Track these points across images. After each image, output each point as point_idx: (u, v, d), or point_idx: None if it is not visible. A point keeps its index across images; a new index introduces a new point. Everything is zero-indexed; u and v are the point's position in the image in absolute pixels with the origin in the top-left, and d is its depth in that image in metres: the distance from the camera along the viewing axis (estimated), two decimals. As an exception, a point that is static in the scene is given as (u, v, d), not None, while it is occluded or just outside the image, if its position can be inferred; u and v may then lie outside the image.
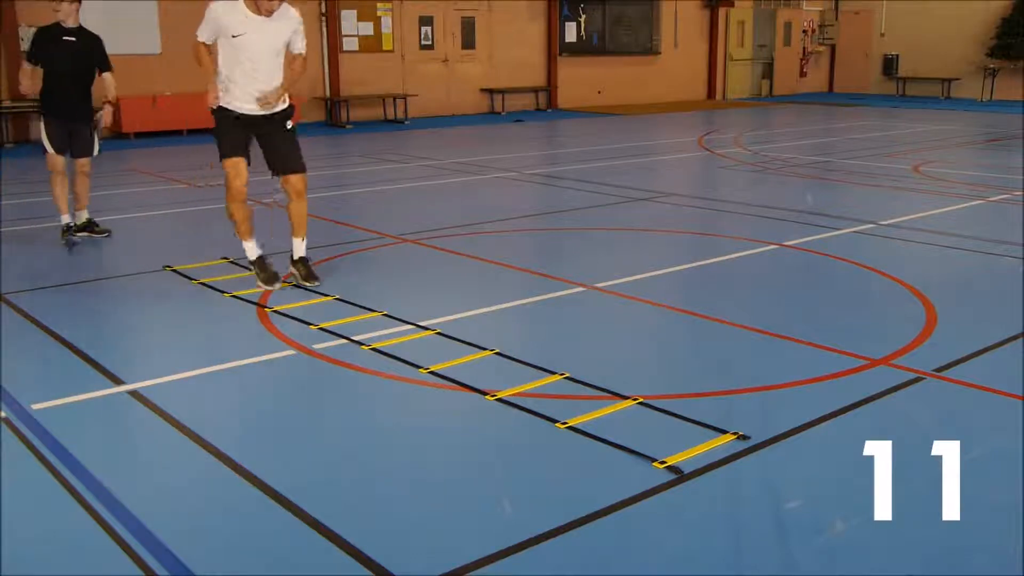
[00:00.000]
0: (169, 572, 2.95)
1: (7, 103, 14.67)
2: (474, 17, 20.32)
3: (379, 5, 18.86)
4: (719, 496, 3.43)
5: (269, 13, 5.71)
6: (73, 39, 7.38)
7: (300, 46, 6.00)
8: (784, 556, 3.04)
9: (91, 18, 14.97)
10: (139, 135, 15.44)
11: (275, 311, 5.63)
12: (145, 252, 7.35)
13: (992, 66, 23.88)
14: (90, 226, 7.80)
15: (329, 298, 5.90)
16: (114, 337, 5.38)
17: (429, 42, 19.73)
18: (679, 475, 3.53)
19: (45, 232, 8.16)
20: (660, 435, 3.90)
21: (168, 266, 6.82)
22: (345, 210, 9.45)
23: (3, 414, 4.14)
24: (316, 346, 5.01)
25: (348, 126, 17.87)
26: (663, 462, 3.61)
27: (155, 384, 4.51)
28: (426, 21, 19.61)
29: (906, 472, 3.65)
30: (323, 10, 18.04)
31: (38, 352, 5.02)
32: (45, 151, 7.52)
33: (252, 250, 6.21)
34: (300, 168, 6.16)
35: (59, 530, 3.23)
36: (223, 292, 6.09)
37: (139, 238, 8.08)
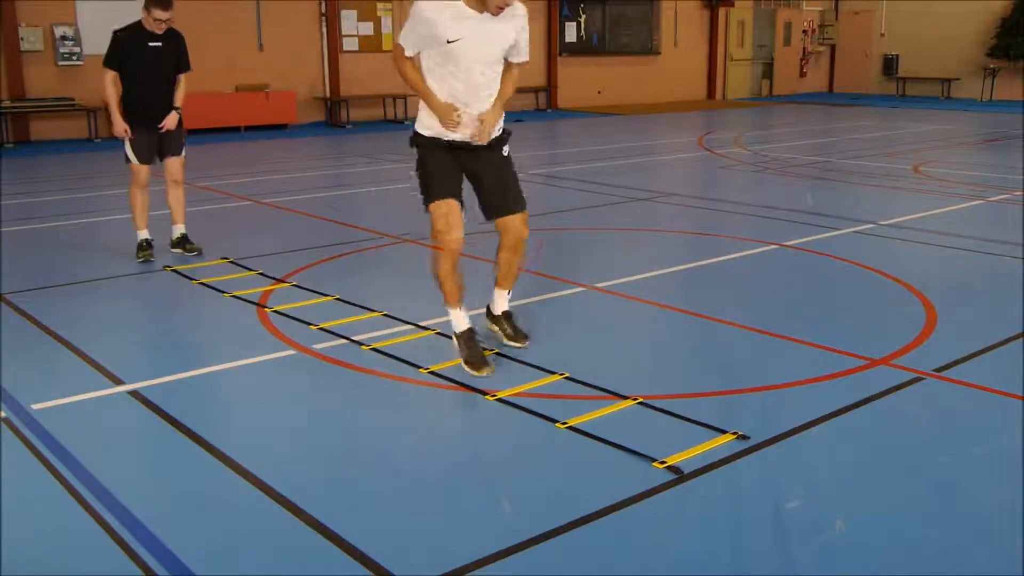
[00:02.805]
0: (169, 572, 2.95)
1: (7, 103, 14.67)
2: (474, 17, 20.31)
3: (379, 5, 18.86)
4: (719, 496, 3.43)
5: (499, 11, 4.33)
6: (159, 44, 6.79)
7: (524, 51, 4.62)
8: (784, 556, 3.04)
9: (91, 18, 15.10)
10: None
11: (275, 311, 5.63)
12: (145, 252, 7.34)
13: (992, 66, 23.89)
14: (182, 242, 7.20)
15: (329, 298, 5.90)
16: (114, 337, 5.38)
17: (429, 42, 19.72)
18: (679, 475, 3.54)
19: (45, 232, 8.17)
20: (660, 435, 3.90)
21: (168, 266, 6.83)
22: (345, 210, 9.45)
23: (3, 414, 4.15)
24: (316, 346, 5.01)
25: (348, 126, 17.87)
26: (663, 462, 3.61)
27: (155, 384, 4.51)
28: (426, 21, 19.59)
29: (906, 472, 3.65)
30: (323, 10, 18.05)
31: (38, 352, 5.02)
32: (128, 161, 6.98)
33: (461, 321, 4.72)
34: (522, 206, 4.76)
35: (59, 530, 3.23)
36: (223, 292, 6.09)
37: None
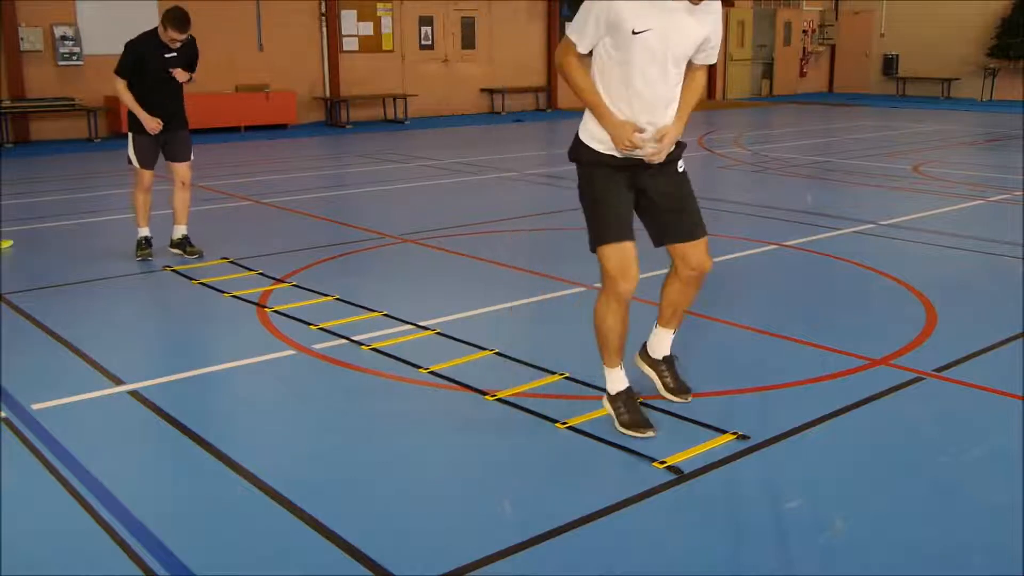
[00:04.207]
0: (169, 572, 2.95)
1: (7, 103, 14.67)
2: (474, 17, 20.32)
3: (379, 5, 18.85)
4: (719, 496, 3.43)
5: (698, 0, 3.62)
6: (175, 55, 6.82)
7: (715, 52, 3.87)
8: (784, 556, 3.04)
9: (91, 18, 15.09)
10: (139, 135, 15.44)
11: (275, 311, 5.63)
12: (145, 252, 7.34)
13: (992, 66, 23.89)
14: (183, 244, 7.15)
15: (329, 298, 5.90)
16: (114, 337, 5.38)
17: (429, 42, 19.74)
18: (679, 475, 3.54)
19: (45, 232, 8.17)
20: (660, 435, 3.90)
21: (168, 266, 6.83)
22: (345, 210, 9.45)
23: (3, 414, 4.14)
24: (316, 346, 5.01)
25: (348, 126, 17.87)
26: (663, 462, 3.61)
27: (155, 384, 4.51)
28: (426, 21, 19.61)
29: (906, 472, 3.65)
30: (323, 10, 18.04)
31: (38, 352, 5.02)
32: (130, 163, 7.02)
33: (621, 379, 4.00)
34: (704, 230, 4.03)
35: (59, 530, 3.23)
36: (223, 292, 6.09)
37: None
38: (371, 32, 18.85)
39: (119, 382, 4.54)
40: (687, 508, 3.36)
